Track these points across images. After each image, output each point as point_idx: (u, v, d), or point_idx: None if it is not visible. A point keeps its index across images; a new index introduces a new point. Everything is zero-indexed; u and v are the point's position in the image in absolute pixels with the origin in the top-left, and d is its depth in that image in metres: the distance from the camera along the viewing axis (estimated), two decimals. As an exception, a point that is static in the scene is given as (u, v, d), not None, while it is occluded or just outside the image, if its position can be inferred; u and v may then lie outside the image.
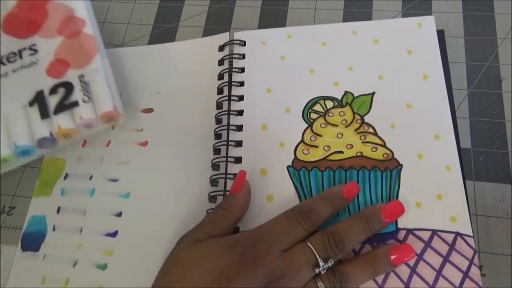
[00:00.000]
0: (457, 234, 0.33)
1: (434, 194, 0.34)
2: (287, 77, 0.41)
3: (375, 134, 0.37)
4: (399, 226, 0.34)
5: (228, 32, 0.44)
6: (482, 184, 0.37)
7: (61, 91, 0.38)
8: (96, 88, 0.38)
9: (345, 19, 0.45)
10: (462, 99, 0.40)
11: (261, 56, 0.42)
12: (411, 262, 0.32)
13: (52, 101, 0.38)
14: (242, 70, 0.41)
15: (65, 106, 0.38)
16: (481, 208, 0.36)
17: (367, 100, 0.39)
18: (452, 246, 0.33)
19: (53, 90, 0.38)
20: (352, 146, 0.37)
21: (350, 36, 0.42)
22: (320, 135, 0.38)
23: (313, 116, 0.39)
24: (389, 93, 0.39)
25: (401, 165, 0.36)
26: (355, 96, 0.39)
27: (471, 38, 0.43)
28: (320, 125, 0.38)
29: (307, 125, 0.38)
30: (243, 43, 0.43)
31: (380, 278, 0.32)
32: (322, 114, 0.39)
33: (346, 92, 0.39)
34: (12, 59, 0.40)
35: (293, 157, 0.37)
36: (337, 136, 0.37)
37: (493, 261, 0.34)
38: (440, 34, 0.41)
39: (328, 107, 0.39)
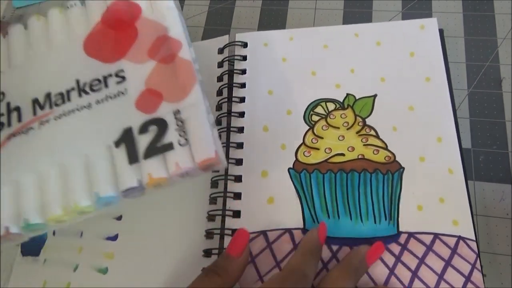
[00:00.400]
0: (459, 238, 0.33)
1: (436, 197, 0.34)
2: (288, 79, 0.40)
3: (377, 136, 0.37)
4: (400, 229, 0.34)
5: (227, 35, 0.44)
6: (482, 184, 0.37)
7: (153, 129, 0.31)
8: (194, 128, 0.31)
9: (345, 19, 0.45)
10: (462, 99, 0.40)
11: (263, 58, 0.42)
12: (413, 266, 0.32)
13: (142, 142, 0.31)
14: (244, 71, 0.41)
15: (157, 149, 0.30)
16: (481, 208, 0.36)
17: (369, 103, 0.38)
18: (454, 250, 0.33)
19: (144, 128, 0.31)
20: (353, 149, 0.37)
21: (352, 38, 0.41)
22: (322, 137, 0.38)
23: (315, 118, 0.38)
24: (391, 96, 0.38)
25: (403, 168, 0.36)
26: (357, 98, 0.39)
27: (471, 38, 0.42)
28: (322, 127, 0.38)
29: (308, 127, 0.38)
30: (245, 45, 0.42)
31: (381, 283, 0.32)
32: (323, 116, 0.38)
33: (348, 94, 0.39)
34: (96, 88, 0.33)
35: (294, 159, 0.37)
36: (338, 138, 0.37)
37: (493, 261, 0.34)
38: (440, 33, 0.41)
39: (330, 109, 0.39)
